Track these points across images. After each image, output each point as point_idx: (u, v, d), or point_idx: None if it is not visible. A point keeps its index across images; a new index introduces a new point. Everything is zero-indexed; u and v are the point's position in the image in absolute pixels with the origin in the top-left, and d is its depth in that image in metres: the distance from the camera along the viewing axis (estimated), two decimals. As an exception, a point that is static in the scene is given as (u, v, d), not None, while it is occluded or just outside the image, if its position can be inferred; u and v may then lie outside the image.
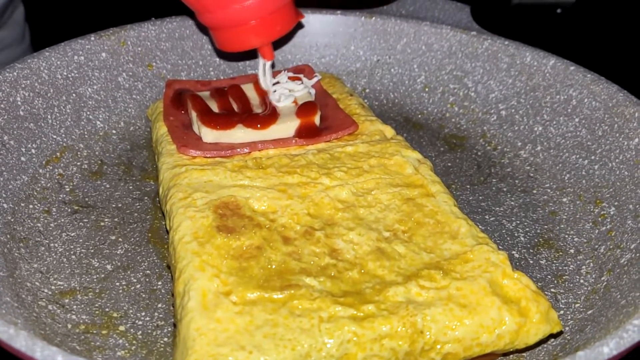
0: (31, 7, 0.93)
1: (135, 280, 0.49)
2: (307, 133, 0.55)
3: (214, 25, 0.58)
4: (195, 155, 0.53)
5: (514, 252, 0.53)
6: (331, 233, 0.46)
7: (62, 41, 0.64)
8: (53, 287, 0.48)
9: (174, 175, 0.51)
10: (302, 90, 0.60)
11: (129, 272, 0.50)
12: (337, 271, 0.43)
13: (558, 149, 0.63)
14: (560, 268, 0.52)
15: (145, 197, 0.58)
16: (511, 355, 0.44)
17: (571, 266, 0.52)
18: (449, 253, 0.44)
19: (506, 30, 0.79)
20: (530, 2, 0.98)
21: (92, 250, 0.51)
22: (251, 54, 0.61)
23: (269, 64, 0.60)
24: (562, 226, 0.56)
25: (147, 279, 0.49)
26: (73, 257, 0.51)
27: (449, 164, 0.64)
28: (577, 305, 0.48)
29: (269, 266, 0.42)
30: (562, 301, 0.49)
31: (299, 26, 0.75)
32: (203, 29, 0.72)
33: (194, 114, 0.56)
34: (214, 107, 0.57)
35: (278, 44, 0.76)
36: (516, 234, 0.55)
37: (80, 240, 0.52)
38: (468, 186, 0.61)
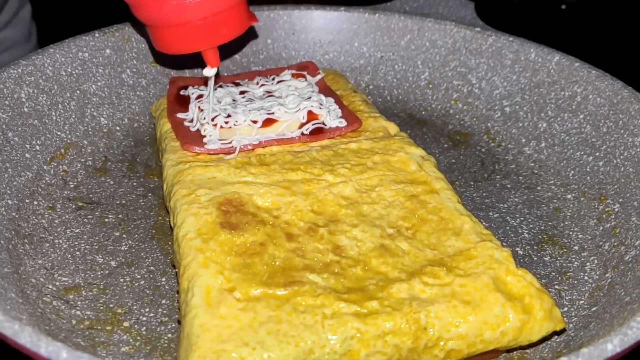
0: (38, 5, 0.93)
1: (139, 277, 0.49)
2: (310, 130, 0.55)
3: (151, 22, 0.51)
4: (199, 152, 0.53)
5: (517, 248, 0.53)
6: (335, 230, 0.46)
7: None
8: (57, 283, 0.48)
9: (177, 171, 0.51)
10: (306, 88, 0.59)
11: (133, 268, 0.50)
12: (340, 268, 0.43)
13: (562, 145, 0.62)
14: (565, 265, 0.52)
15: (149, 194, 0.58)
16: (514, 352, 0.44)
17: (575, 263, 0.52)
18: (453, 250, 0.44)
19: (510, 26, 0.79)
20: (534, -2, 0.97)
21: (97, 247, 0.52)
22: (196, 58, 0.55)
23: (212, 71, 0.54)
24: (567, 223, 0.56)
25: (151, 275, 0.49)
26: (77, 253, 0.51)
27: (453, 161, 0.64)
28: (581, 302, 0.48)
29: (273, 263, 0.43)
30: (566, 298, 0.49)
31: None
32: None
33: (196, 112, 0.56)
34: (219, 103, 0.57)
35: (281, 40, 0.76)
36: (520, 231, 0.55)
37: (85, 237, 0.53)
38: (472, 183, 0.61)
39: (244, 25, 0.53)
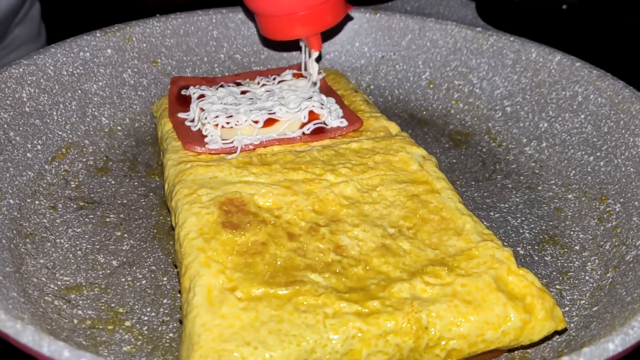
0: (47, 4, 0.93)
1: (140, 276, 0.49)
2: (312, 130, 0.55)
3: (263, 11, 0.57)
4: (200, 152, 0.53)
5: (519, 248, 0.53)
6: (336, 229, 0.46)
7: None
8: (59, 283, 0.48)
9: (179, 171, 0.51)
10: (307, 87, 0.60)
11: (134, 268, 0.50)
12: (342, 267, 0.43)
13: (563, 145, 0.62)
14: (566, 265, 0.52)
15: (151, 194, 0.58)
16: (516, 352, 0.44)
17: (576, 263, 0.52)
18: (454, 249, 0.44)
19: (511, 26, 0.79)
20: (535, -2, 0.97)
21: (98, 246, 0.52)
22: (294, 44, 0.63)
23: (315, 54, 0.59)
24: (567, 223, 0.56)
25: (153, 275, 0.49)
26: (79, 252, 0.51)
27: (454, 161, 0.64)
28: (582, 302, 0.48)
29: (274, 262, 0.43)
30: (567, 298, 0.49)
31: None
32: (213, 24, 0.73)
33: (198, 112, 0.56)
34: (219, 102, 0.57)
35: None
36: (521, 231, 0.55)
37: (86, 236, 0.53)
38: (473, 183, 0.61)
39: (343, 12, 0.59)
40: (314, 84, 0.60)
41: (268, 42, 0.72)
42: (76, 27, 0.72)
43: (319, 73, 0.64)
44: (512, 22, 0.88)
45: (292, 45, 0.72)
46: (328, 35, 0.76)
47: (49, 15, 0.94)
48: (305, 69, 0.61)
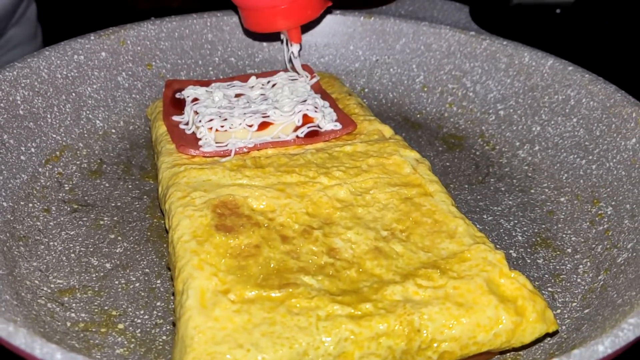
0: (44, 5, 0.93)
1: (134, 279, 0.49)
2: (305, 133, 0.55)
3: (246, 5, 0.59)
4: (194, 155, 0.53)
5: (511, 251, 0.54)
6: (329, 232, 0.46)
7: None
8: (52, 286, 0.48)
9: (173, 174, 0.51)
10: (301, 91, 0.60)
11: (128, 270, 0.50)
12: (335, 270, 0.43)
13: (556, 148, 0.63)
14: (558, 267, 0.52)
15: (145, 196, 0.58)
16: (508, 354, 0.44)
17: (568, 265, 0.52)
18: (447, 252, 0.45)
19: (505, 31, 0.80)
20: (529, 2, 0.98)
21: (92, 249, 0.52)
22: (275, 36, 0.65)
23: (296, 47, 0.61)
24: (560, 226, 0.56)
25: (146, 278, 0.49)
26: (72, 255, 0.51)
27: (447, 164, 0.64)
28: (574, 304, 0.48)
29: (267, 265, 0.43)
30: (559, 300, 0.49)
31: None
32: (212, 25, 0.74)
33: (192, 115, 0.56)
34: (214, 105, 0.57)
35: (277, 43, 0.76)
36: (514, 234, 0.56)
37: (80, 239, 0.53)
38: (466, 186, 0.61)
39: (322, 6, 0.61)
40: (305, 77, 0.61)
41: (251, 34, 0.74)
42: (73, 28, 0.72)
43: (313, 77, 0.65)
44: (506, 26, 0.89)
45: (274, 37, 0.74)
46: (322, 38, 0.76)
47: (46, 16, 0.94)
48: (291, 64, 0.63)
